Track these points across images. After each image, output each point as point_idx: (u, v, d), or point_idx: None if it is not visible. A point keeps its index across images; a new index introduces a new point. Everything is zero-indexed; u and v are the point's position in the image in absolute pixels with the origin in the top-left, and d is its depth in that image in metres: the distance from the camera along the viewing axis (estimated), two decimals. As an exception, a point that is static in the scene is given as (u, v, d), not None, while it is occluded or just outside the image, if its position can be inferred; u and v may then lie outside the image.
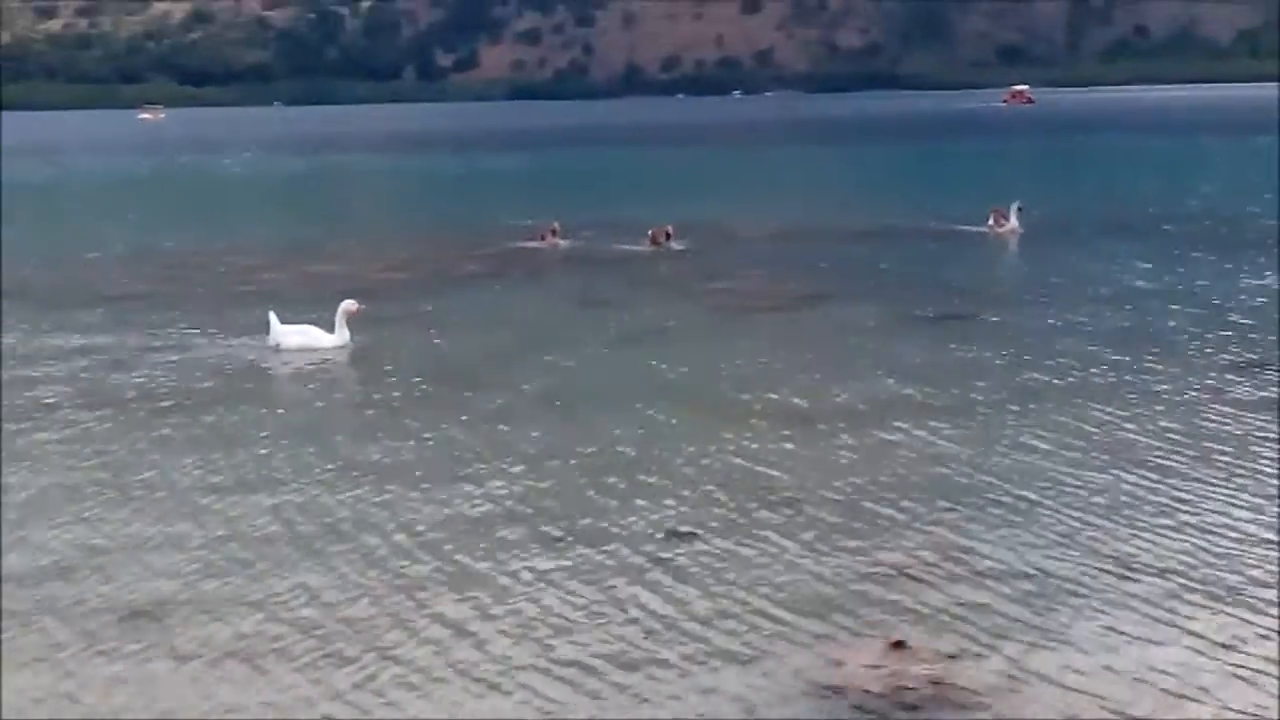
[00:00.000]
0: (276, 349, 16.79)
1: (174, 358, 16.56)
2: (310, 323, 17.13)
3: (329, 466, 11.51)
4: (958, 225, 29.82)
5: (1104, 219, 31.32)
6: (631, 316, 19.21)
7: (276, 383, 15.62)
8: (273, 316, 17.06)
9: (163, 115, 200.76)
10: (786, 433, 12.32)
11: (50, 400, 14.33)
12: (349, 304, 16.98)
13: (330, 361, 16.34)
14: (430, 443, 12.23)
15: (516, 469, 11.31)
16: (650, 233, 26.25)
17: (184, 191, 53.83)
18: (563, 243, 26.59)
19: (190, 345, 17.44)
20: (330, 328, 16.91)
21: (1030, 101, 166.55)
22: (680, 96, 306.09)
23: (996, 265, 25.85)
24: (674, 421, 12.84)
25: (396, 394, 14.38)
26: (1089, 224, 30.36)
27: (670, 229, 26.38)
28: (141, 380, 15.30)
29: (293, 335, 16.93)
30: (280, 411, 13.83)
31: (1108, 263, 23.80)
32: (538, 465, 11.39)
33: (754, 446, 11.89)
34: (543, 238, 26.65)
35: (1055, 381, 14.28)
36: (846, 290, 21.45)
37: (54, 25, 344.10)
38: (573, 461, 11.52)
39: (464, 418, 13.09)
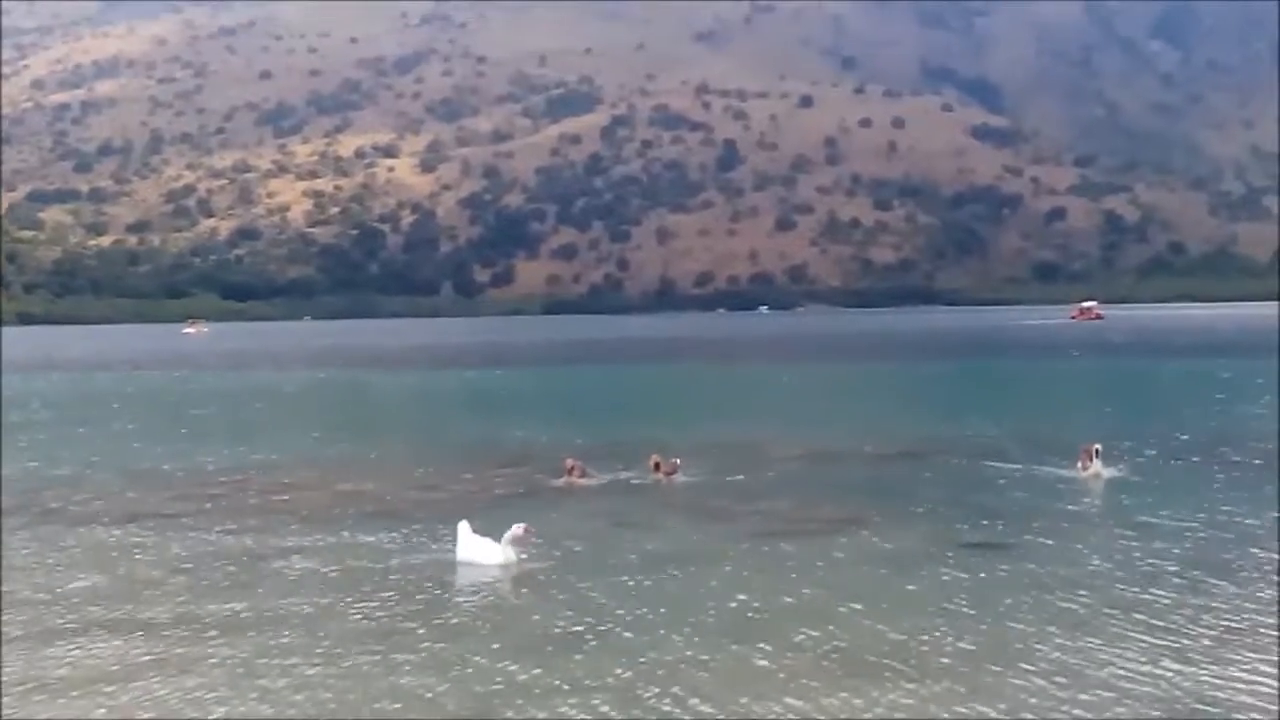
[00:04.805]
0: (460, 560, 17.73)
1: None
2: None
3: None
4: (1028, 462, 27.24)
5: (1189, 453, 28.77)
6: (664, 544, 18.93)
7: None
8: (463, 528, 17.96)
9: (206, 330, 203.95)
10: (821, 675, 12.00)
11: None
12: (518, 529, 17.57)
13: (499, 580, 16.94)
14: (449, 685, 12.16)
15: (553, 703, 11.27)
16: (654, 461, 26.45)
17: (247, 404, 52.71)
18: (584, 481, 26.44)
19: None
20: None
21: (1099, 318, 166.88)
22: (721, 311, 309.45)
23: (1052, 492, 23.43)
24: (703, 659, 12.63)
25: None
26: (1171, 459, 27.83)
27: (677, 461, 26.40)
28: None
29: (474, 549, 17.69)
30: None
31: (1189, 496, 22.15)
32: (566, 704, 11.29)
33: (787, 691, 11.56)
34: (568, 472, 26.64)
35: (1110, 622, 13.81)
36: (885, 515, 20.94)
37: (104, 241, 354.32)
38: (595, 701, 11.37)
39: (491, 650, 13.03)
